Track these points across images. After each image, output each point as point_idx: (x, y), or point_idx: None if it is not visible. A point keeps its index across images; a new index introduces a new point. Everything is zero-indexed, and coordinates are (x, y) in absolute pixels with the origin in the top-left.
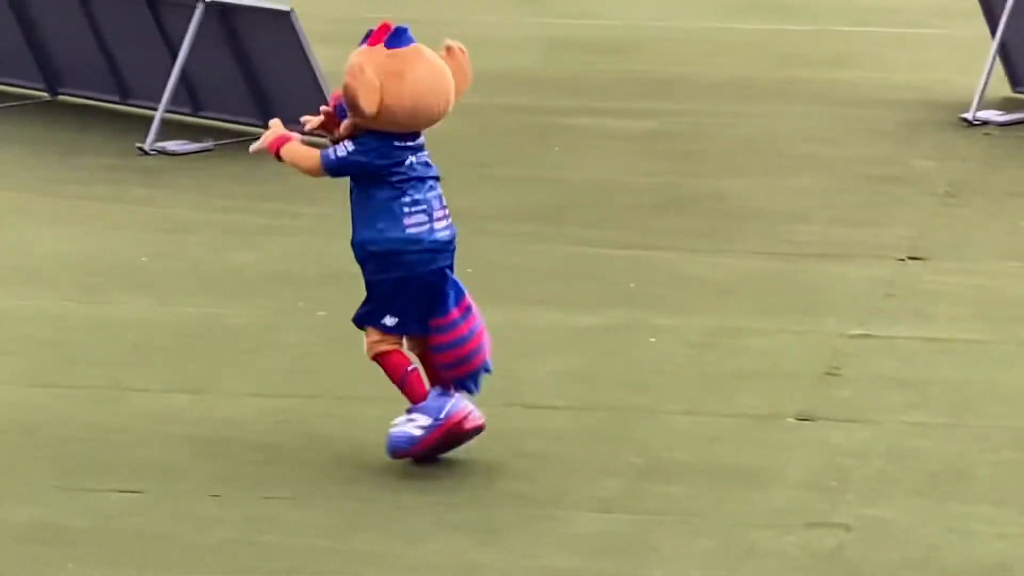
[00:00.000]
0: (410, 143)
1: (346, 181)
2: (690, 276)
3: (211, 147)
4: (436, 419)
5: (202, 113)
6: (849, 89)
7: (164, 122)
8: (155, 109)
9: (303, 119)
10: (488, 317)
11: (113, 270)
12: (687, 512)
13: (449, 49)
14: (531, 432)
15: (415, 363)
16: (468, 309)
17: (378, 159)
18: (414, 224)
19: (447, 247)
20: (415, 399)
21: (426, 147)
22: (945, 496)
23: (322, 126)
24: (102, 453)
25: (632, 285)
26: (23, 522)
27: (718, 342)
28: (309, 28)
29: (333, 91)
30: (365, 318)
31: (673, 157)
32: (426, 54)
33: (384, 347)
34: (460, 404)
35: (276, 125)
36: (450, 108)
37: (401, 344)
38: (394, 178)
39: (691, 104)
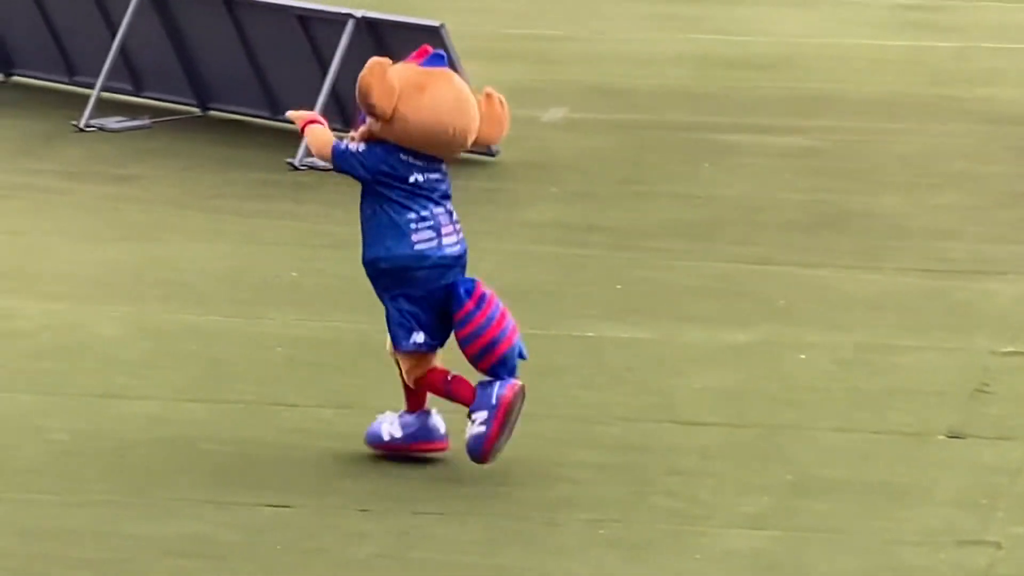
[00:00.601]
0: (419, 162)
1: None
2: (841, 293)
3: None
4: (491, 407)
5: (350, 128)
6: (999, 106)
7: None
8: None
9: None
10: (639, 333)
11: (264, 285)
12: (837, 529)
13: (488, 96)
14: (682, 448)
15: (451, 370)
16: (482, 298)
17: (378, 164)
18: (422, 240)
19: (457, 262)
20: (467, 401)
21: (445, 171)
22: None
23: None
24: (253, 468)
25: (782, 302)
26: (175, 535)
27: (868, 359)
28: (457, 45)
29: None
30: (403, 346)
31: (824, 174)
32: (455, 80)
33: (421, 371)
34: (504, 384)
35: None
36: (466, 144)
37: (436, 358)
38: (397, 193)
39: (842, 121)
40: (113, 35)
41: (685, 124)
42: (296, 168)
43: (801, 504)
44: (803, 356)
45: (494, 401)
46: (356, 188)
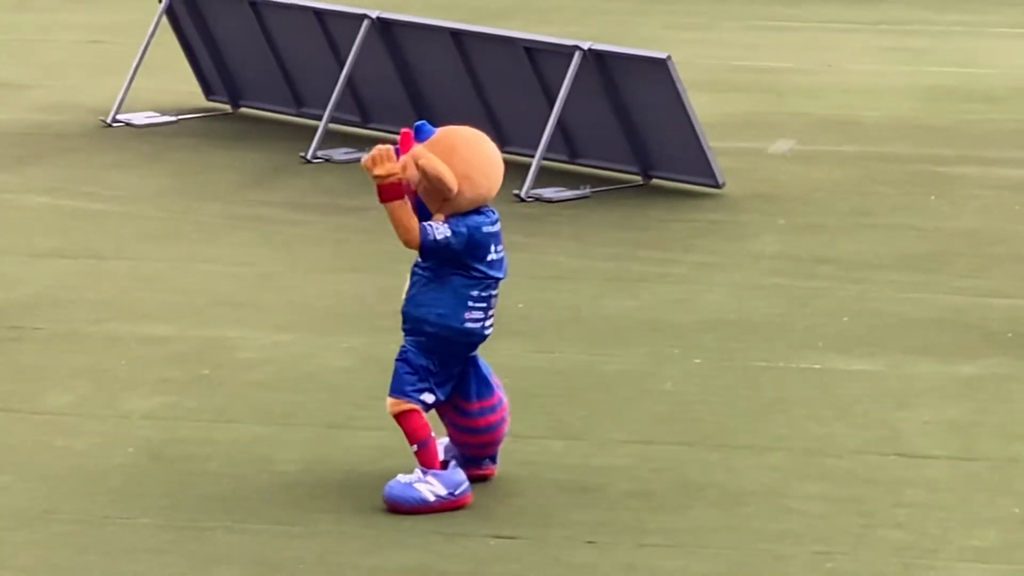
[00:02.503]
0: (493, 228)
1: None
2: None
3: (588, 194)
4: (451, 494)
5: (578, 160)
6: None
7: (540, 169)
8: (532, 156)
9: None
10: (866, 366)
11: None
12: None
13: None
14: (909, 481)
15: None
16: (491, 408)
17: (468, 242)
18: (473, 319)
19: (484, 340)
20: (429, 465)
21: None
22: None
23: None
24: (480, 499)
25: (1010, 335)
26: (403, 566)
27: None
28: (684, 76)
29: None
30: (408, 395)
31: None
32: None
33: (406, 407)
34: (468, 486)
35: (389, 155)
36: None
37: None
38: (473, 268)
39: None
40: (341, 67)
41: (912, 156)
42: (523, 200)
43: None
44: None
45: (457, 493)
46: (584, 219)
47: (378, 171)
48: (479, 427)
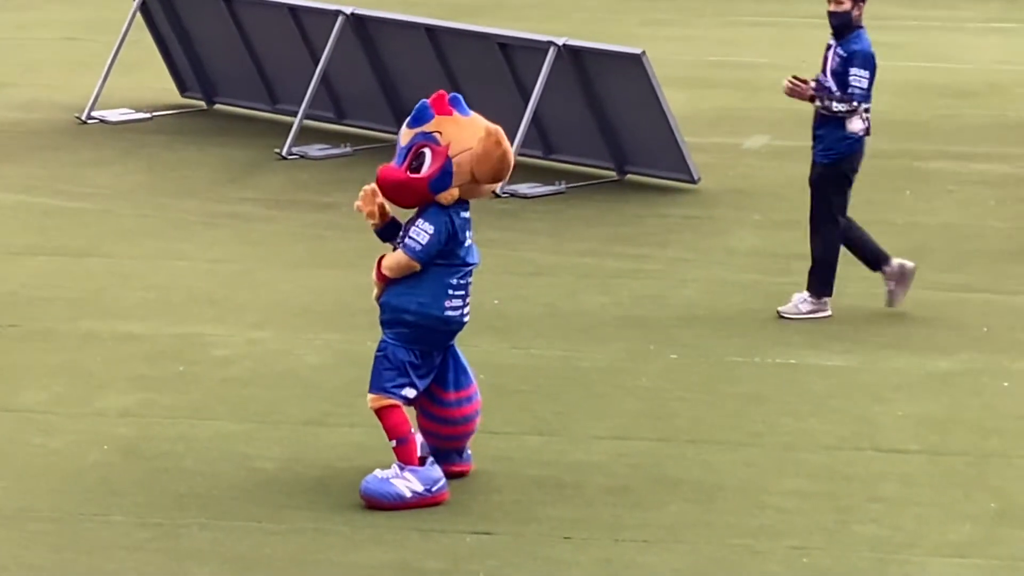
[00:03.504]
0: (466, 215)
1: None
2: None
3: (563, 190)
4: (428, 490)
5: (553, 156)
6: None
7: (515, 165)
8: None
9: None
10: (840, 361)
11: None
12: None
13: (488, 133)
14: (884, 476)
15: (414, 427)
16: (468, 399)
17: (445, 236)
18: (452, 307)
19: (462, 328)
20: (407, 461)
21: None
22: None
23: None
24: (456, 495)
25: (985, 329)
26: (379, 563)
27: None
28: (659, 72)
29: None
30: (389, 391)
31: None
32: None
33: (387, 403)
34: (445, 483)
35: (373, 197)
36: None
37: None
38: (451, 257)
39: None
40: (315, 63)
41: (887, 152)
42: (498, 196)
43: (1006, 532)
44: (1006, 384)
45: (434, 489)
46: (560, 215)
47: (366, 210)
48: (454, 417)
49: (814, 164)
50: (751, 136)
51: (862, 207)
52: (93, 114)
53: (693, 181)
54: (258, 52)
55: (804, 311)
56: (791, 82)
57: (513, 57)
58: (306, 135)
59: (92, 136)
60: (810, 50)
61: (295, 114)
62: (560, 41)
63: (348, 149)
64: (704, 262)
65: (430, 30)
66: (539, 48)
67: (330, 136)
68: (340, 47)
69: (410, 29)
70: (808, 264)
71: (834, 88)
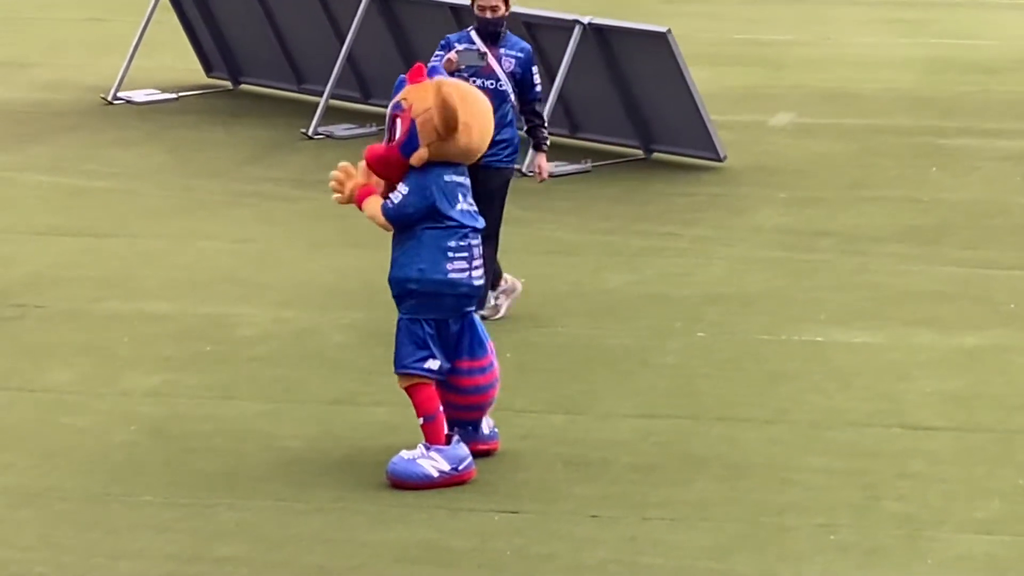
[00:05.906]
0: (460, 178)
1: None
2: None
3: (589, 168)
4: (455, 469)
5: (579, 135)
6: None
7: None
8: None
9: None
10: (867, 338)
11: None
12: None
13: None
14: (912, 453)
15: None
16: (481, 369)
17: (428, 198)
18: (456, 270)
19: (478, 293)
20: (434, 440)
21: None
22: None
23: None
24: (483, 473)
25: (1012, 306)
26: (406, 541)
27: None
28: (684, 50)
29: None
30: (410, 367)
31: None
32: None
33: (414, 380)
34: (472, 461)
35: (349, 171)
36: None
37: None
38: (444, 220)
39: None
40: (341, 43)
41: (912, 128)
42: (524, 174)
43: None
44: None
45: (460, 468)
46: (586, 193)
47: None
48: (465, 387)
49: None
50: (776, 114)
51: (887, 184)
52: (119, 94)
53: (719, 159)
54: (283, 32)
55: None
56: None
57: (538, 36)
58: (332, 115)
59: (117, 116)
60: (834, 26)
61: (321, 94)
62: (585, 20)
63: (374, 128)
64: (730, 240)
65: (455, 9)
66: (565, 27)
67: (356, 116)
68: (365, 26)
69: (435, 8)
70: (835, 240)
71: None
